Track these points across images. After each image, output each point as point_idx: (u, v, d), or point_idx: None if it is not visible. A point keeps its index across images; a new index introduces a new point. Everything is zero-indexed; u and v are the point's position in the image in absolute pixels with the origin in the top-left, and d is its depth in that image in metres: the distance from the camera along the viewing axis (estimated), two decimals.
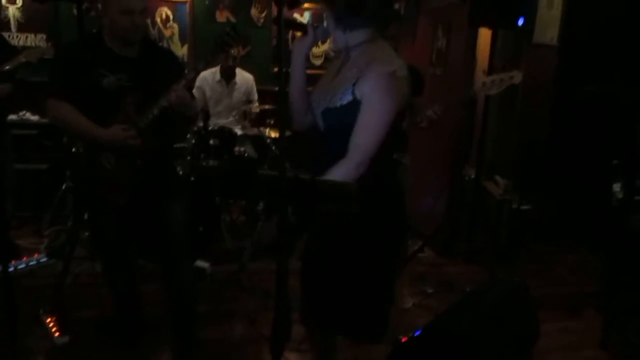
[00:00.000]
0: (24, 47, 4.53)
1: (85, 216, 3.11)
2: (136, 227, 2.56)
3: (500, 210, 4.03)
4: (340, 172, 1.66)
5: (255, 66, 5.03)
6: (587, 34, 4.21)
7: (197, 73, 2.46)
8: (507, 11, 3.17)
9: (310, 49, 1.89)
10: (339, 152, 1.69)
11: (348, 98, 1.71)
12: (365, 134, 1.68)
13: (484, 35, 4.03)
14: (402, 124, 2.29)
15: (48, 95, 2.34)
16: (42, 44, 4.80)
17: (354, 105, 1.70)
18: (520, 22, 3.18)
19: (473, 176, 3.85)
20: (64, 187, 4.20)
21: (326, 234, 1.89)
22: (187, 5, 5.18)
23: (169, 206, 2.47)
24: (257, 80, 4.79)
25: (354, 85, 1.70)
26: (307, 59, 1.94)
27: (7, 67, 3.03)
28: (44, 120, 4.53)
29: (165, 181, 2.51)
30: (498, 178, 4.24)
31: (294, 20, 1.76)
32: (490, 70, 3.40)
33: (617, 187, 3.54)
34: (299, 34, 1.89)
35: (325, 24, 1.82)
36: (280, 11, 1.43)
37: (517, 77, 2.99)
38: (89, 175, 2.39)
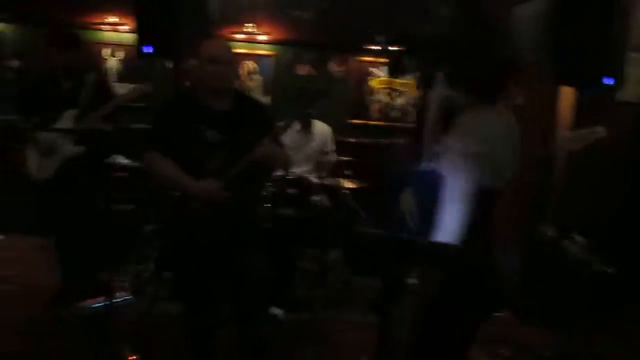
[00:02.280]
0: None
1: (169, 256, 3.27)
2: (219, 272, 2.66)
3: (581, 271, 3.87)
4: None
5: (333, 118, 5.18)
6: None
7: (285, 127, 2.59)
8: (593, 70, 3.13)
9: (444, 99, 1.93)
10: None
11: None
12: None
13: (564, 91, 3.99)
14: None
15: (147, 148, 2.53)
16: None
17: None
18: (607, 82, 3.13)
19: (549, 233, 3.73)
20: (148, 227, 4.44)
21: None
22: (271, 59, 5.45)
23: (248, 254, 2.56)
24: (334, 131, 4.92)
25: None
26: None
27: (113, 106, 3.32)
28: (135, 164, 4.86)
29: (246, 229, 2.62)
30: (577, 237, 4.09)
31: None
32: (573, 126, 3.36)
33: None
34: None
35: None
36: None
37: (601, 132, 2.94)
38: (178, 216, 2.53)
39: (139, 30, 3.29)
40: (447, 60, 1.83)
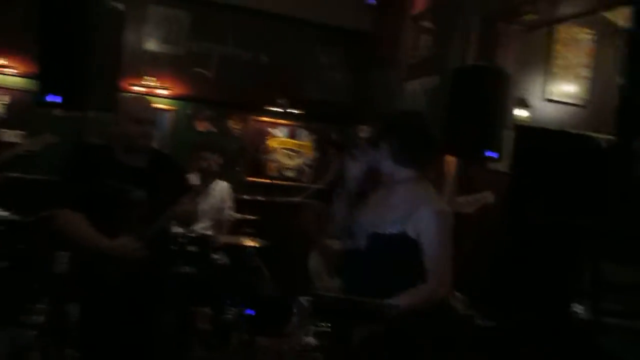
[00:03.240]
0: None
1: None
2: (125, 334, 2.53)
3: (463, 325, 4.15)
4: (424, 294, 1.86)
5: (231, 176, 5.20)
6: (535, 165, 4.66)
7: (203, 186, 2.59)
8: (478, 144, 3.51)
9: (362, 172, 2.07)
10: (377, 272, 1.84)
11: (397, 229, 1.90)
12: (441, 262, 1.89)
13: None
14: None
15: (57, 204, 2.39)
16: (20, 139, 4.85)
17: (403, 239, 1.88)
18: (490, 154, 3.53)
19: None
20: (27, 286, 4.06)
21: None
22: (170, 114, 5.39)
23: (162, 313, 2.49)
24: (232, 189, 4.93)
25: (406, 221, 1.88)
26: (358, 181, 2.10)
27: (13, 155, 3.09)
28: (14, 217, 4.47)
29: (161, 287, 2.54)
30: (457, 294, 4.41)
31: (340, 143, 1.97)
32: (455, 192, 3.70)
33: (577, 307, 3.77)
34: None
35: (372, 152, 2.02)
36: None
37: (489, 197, 3.27)
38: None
39: (42, 77, 3.12)
40: (393, 136, 1.99)
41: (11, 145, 3.82)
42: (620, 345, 3.29)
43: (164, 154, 2.68)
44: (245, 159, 5.64)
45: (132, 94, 4.64)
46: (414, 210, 1.91)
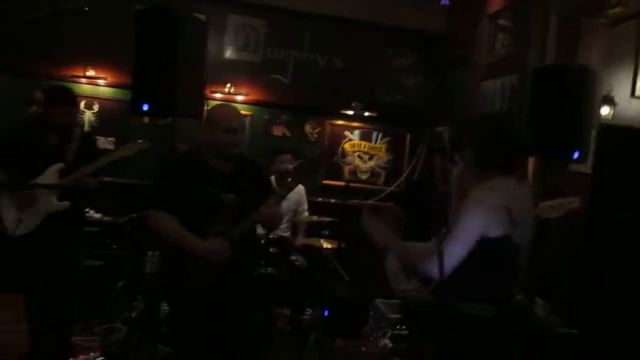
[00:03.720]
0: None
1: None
2: (214, 333, 2.64)
3: (545, 334, 4.02)
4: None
5: (306, 179, 5.29)
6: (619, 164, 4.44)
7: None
8: (565, 144, 3.39)
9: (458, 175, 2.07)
10: (478, 275, 1.83)
11: (501, 231, 1.89)
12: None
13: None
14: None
15: (152, 206, 2.54)
16: (111, 146, 5.16)
17: (508, 240, 1.87)
18: (575, 155, 3.41)
19: (518, 297, 3.88)
20: (120, 284, 4.32)
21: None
22: (248, 119, 5.56)
23: (250, 314, 2.58)
24: (307, 192, 5.02)
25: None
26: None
27: (108, 161, 3.30)
28: (106, 218, 4.77)
29: (248, 288, 2.64)
30: (538, 300, 4.27)
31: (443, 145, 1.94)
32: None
33: None
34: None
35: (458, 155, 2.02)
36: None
37: (575, 202, 3.14)
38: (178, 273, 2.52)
39: (135, 87, 3.31)
40: (482, 139, 1.98)
41: (105, 151, 4.05)
42: None
43: (249, 160, 2.79)
44: (322, 163, 5.73)
45: (222, 103, 4.83)
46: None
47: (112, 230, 4.63)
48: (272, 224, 2.62)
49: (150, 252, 3.80)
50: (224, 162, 2.59)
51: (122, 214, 4.35)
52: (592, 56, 4.51)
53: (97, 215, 4.84)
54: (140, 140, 3.44)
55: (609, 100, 4.70)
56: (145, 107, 3.22)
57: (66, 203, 3.37)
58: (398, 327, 3.57)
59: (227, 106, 2.99)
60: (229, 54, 5.51)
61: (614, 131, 4.45)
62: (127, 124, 5.17)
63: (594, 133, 4.35)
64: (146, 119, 5.02)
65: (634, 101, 4.89)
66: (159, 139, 3.56)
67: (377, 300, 4.64)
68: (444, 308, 1.58)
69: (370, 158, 5.81)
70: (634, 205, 4.40)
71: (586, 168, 4.57)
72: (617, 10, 4.40)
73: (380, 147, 5.83)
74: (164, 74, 3.23)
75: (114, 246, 4.62)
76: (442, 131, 1.90)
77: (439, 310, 1.60)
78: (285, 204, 4.88)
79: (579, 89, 3.41)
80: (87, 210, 4.81)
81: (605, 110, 4.70)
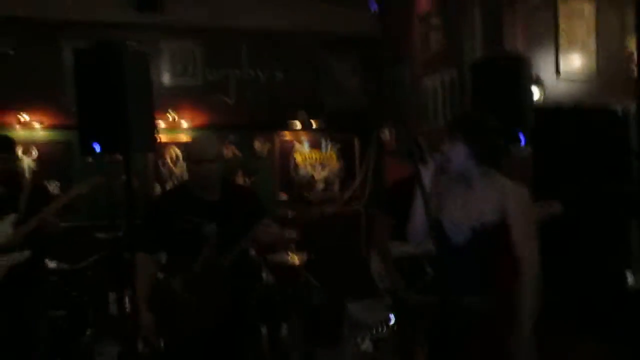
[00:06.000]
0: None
1: None
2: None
3: None
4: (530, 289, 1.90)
5: (262, 195, 5.28)
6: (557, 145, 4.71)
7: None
8: (510, 131, 3.54)
9: (434, 175, 2.10)
10: (478, 264, 1.88)
11: (494, 217, 1.96)
12: (532, 244, 1.94)
13: None
14: None
15: (139, 249, 2.52)
16: (57, 190, 4.96)
17: (500, 225, 1.94)
18: (523, 140, 3.57)
19: None
20: (88, 332, 4.16)
21: None
22: None
23: (245, 335, 2.58)
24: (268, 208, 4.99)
25: (498, 211, 1.96)
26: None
27: (65, 201, 3.18)
28: (64, 266, 4.57)
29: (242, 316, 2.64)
30: None
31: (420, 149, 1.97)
32: None
33: (629, 273, 3.75)
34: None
35: (444, 153, 2.07)
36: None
37: (555, 207, 3.15)
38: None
39: (81, 127, 3.21)
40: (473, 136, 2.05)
41: (56, 196, 3.89)
42: None
43: (237, 185, 2.81)
44: (274, 177, 5.73)
45: (199, 135, 4.81)
46: (504, 199, 1.97)
47: (71, 278, 4.45)
48: (270, 245, 2.67)
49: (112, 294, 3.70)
50: (208, 191, 2.61)
51: (79, 259, 4.20)
52: (518, 42, 4.76)
53: (52, 265, 4.63)
54: (95, 176, 3.36)
55: (538, 82, 4.94)
56: (97, 146, 3.13)
57: (27, 253, 3.22)
58: (379, 329, 3.62)
59: (199, 138, 3.08)
60: (167, 80, 5.43)
61: (546, 112, 4.70)
62: (70, 166, 5.01)
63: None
64: (90, 159, 4.86)
65: (560, 82, 5.17)
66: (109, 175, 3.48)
67: (349, 305, 4.67)
68: (448, 303, 1.62)
69: (323, 168, 5.87)
70: (576, 179, 4.66)
71: (526, 151, 4.80)
72: None
73: (331, 155, 5.90)
74: (113, 110, 3.15)
75: (74, 293, 4.43)
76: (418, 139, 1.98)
77: (443, 306, 1.64)
78: None
79: (516, 77, 3.59)
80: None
81: (535, 94, 4.95)
